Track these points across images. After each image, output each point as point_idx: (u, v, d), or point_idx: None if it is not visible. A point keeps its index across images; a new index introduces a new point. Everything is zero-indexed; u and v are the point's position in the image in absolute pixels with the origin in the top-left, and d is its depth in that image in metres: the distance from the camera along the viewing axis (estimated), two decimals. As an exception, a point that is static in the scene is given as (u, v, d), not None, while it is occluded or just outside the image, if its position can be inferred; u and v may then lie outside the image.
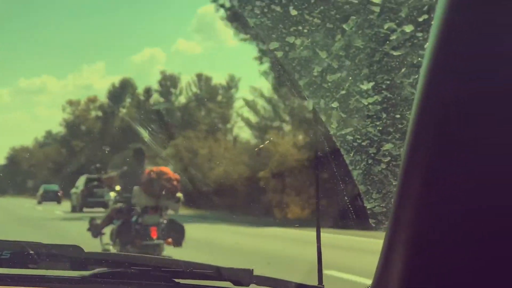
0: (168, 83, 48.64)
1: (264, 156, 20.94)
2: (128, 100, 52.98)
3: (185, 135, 34.00)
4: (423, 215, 0.66)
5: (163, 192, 6.10)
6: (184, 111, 44.95)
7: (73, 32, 60.28)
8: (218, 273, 1.27)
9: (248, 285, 1.25)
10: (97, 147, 44.32)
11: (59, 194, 32.30)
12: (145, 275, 1.30)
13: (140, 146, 6.76)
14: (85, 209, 23.31)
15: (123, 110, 51.94)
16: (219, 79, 54.99)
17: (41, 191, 33.12)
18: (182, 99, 47.67)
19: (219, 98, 44.75)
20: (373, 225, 1.21)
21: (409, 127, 0.69)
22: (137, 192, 6.19)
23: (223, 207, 20.57)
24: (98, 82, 62.65)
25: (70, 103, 54.76)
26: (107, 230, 6.53)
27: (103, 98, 52.48)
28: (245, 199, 19.68)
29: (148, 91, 51.26)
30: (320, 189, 1.28)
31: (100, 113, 53.38)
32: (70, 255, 1.30)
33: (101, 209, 22.90)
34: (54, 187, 33.97)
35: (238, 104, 41.37)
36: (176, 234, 6.08)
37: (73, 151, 48.97)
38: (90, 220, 6.72)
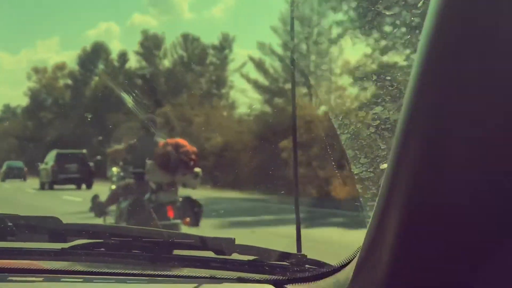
0: (151, 44, 45.97)
1: (280, 123, 19.02)
2: (101, 66, 50.74)
3: (174, 102, 31.83)
4: (418, 183, 0.68)
5: (180, 167, 5.70)
6: (170, 75, 42.99)
7: (25, 6, 59.21)
8: (200, 242, 1.30)
9: (230, 254, 1.28)
10: (68, 118, 42.37)
11: (24, 170, 31.78)
12: (125, 245, 1.32)
13: (151, 116, 6.48)
14: (55, 186, 23.20)
15: (96, 78, 49.74)
16: (210, 39, 53.34)
17: (4, 167, 33.37)
18: (167, 63, 45.56)
19: (211, 59, 42.94)
20: (360, 190, 1.22)
21: (406, 95, 0.70)
22: (151, 167, 5.76)
23: (229, 184, 19.24)
24: (54, 58, 62.76)
25: (36, 70, 51.62)
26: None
27: (73, 65, 50.13)
28: (256, 174, 17.71)
29: (123, 56, 48.84)
30: (297, 156, 1.29)
31: (69, 81, 51.00)
32: (49, 227, 1.31)
33: (73, 186, 22.56)
34: (19, 163, 33.85)
35: (233, 66, 39.09)
36: (193, 213, 5.68)
37: (41, 123, 46.94)
38: (92, 198, 6.41)
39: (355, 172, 1.34)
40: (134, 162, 6.07)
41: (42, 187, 23.88)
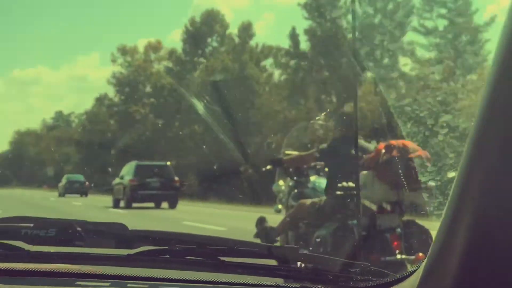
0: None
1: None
2: (214, 43, 40.81)
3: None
4: (490, 192, 0.70)
5: (409, 180, 4.43)
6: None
7: (68, 22, 62.78)
8: (264, 250, 1.35)
9: (294, 263, 1.32)
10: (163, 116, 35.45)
11: (85, 185, 31.86)
12: (190, 252, 1.39)
13: (347, 111, 5.50)
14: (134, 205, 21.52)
15: (203, 61, 39.90)
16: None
17: (64, 181, 32.16)
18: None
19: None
20: (426, 198, 1.24)
21: (480, 102, 0.72)
22: (369, 179, 4.38)
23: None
24: (93, 73, 72.05)
25: (123, 51, 42.53)
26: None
27: (173, 44, 45.95)
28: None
29: (247, 29, 38.57)
30: (358, 165, 1.32)
31: (170, 64, 41.46)
32: (116, 233, 1.39)
33: (152, 204, 21.08)
34: (79, 177, 33.50)
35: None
36: (421, 244, 4.19)
37: (130, 121, 39.12)
38: (258, 221, 5.27)
39: (422, 181, 1.35)
40: (332, 173, 4.94)
41: (116, 205, 21.79)
